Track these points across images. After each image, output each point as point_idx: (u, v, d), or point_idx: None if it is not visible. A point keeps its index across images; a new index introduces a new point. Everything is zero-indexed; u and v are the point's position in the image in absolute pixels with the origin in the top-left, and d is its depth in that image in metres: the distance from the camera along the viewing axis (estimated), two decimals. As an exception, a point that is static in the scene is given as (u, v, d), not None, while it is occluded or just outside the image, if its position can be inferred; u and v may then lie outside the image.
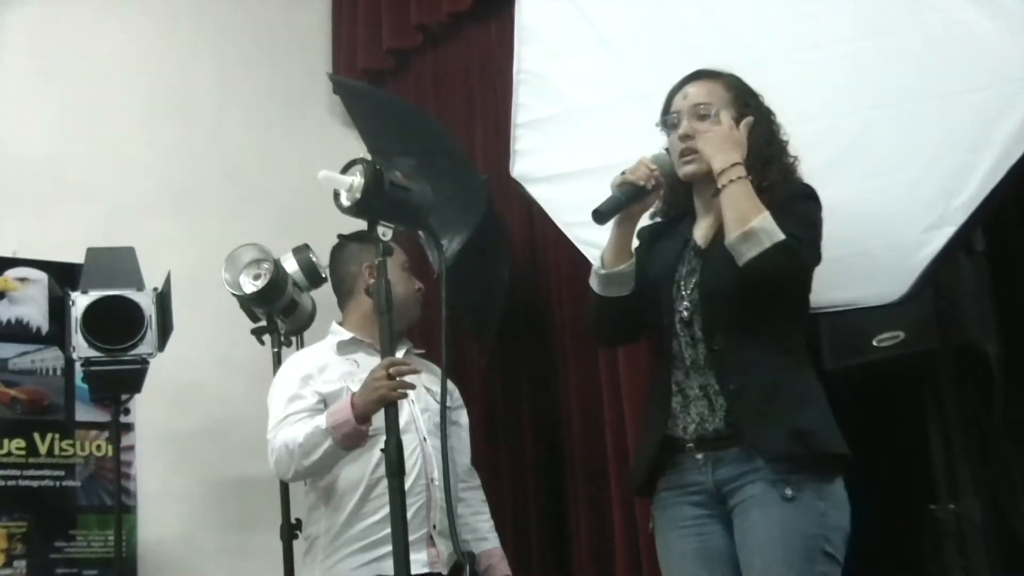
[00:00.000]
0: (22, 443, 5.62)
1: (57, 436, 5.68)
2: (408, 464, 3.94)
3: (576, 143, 4.50)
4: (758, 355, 3.33)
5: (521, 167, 4.67)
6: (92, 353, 4.96)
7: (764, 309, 3.33)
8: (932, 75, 3.75)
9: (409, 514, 3.90)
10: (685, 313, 3.41)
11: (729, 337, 3.33)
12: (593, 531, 5.30)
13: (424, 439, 4.16)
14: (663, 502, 3.47)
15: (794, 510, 3.21)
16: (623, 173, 3.44)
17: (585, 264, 4.48)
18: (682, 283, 3.46)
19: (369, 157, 3.52)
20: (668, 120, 3.57)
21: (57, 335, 5.61)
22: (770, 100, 3.59)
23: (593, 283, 3.51)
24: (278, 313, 5.18)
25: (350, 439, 3.96)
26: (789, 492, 3.21)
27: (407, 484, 3.92)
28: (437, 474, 4.07)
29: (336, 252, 4.55)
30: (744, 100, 3.56)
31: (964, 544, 3.93)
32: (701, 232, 3.54)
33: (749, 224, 3.23)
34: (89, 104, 6.26)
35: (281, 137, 6.72)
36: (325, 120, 6.95)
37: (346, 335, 4.34)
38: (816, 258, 3.40)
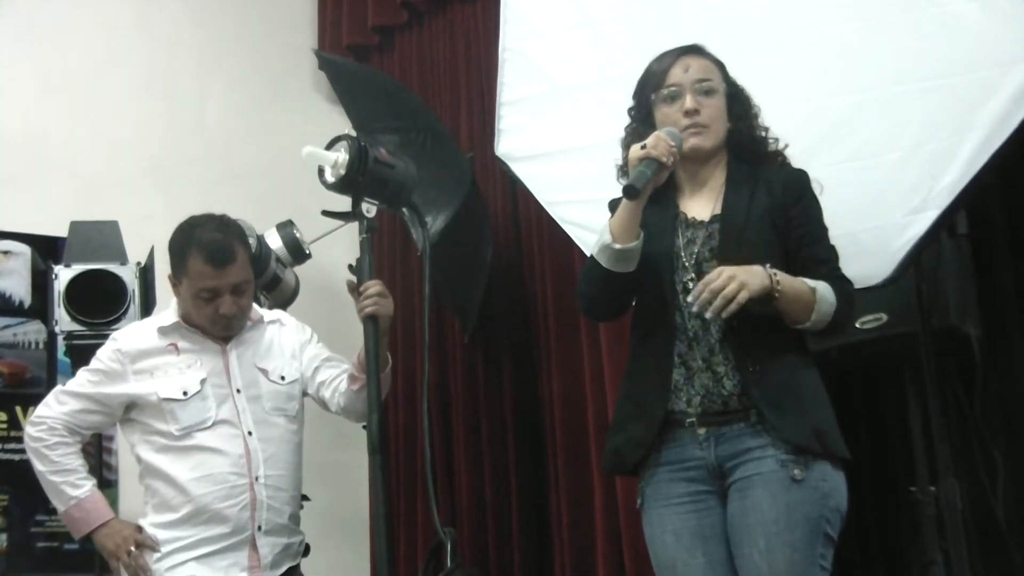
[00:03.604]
0: (3, 416, 5.63)
1: (39, 410, 5.69)
2: (227, 463, 3.94)
3: (560, 122, 4.49)
4: (777, 342, 3.31)
5: (505, 146, 4.66)
6: (74, 327, 4.95)
7: None
8: (916, 59, 3.76)
9: (232, 518, 3.90)
10: (690, 285, 3.35)
11: (750, 318, 3.27)
12: (573, 509, 5.31)
13: (249, 433, 3.98)
14: (654, 478, 3.41)
15: (801, 491, 3.20)
16: (643, 147, 3.40)
17: (567, 242, 4.49)
18: (682, 254, 3.42)
19: (354, 134, 3.51)
20: (667, 93, 3.50)
21: (39, 308, 5.61)
22: (754, 82, 3.59)
23: (602, 259, 3.41)
24: (261, 289, 5.16)
25: (74, 530, 4.01)
26: (798, 473, 3.21)
27: (227, 486, 3.92)
28: (262, 471, 3.95)
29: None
30: (731, 82, 3.55)
31: (943, 526, 3.95)
32: (695, 204, 3.51)
33: (811, 319, 3.26)
34: (73, 79, 6.25)
35: (265, 112, 6.72)
36: (309, 96, 6.94)
37: (169, 320, 4.11)
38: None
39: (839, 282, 3.33)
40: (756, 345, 3.30)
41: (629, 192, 3.30)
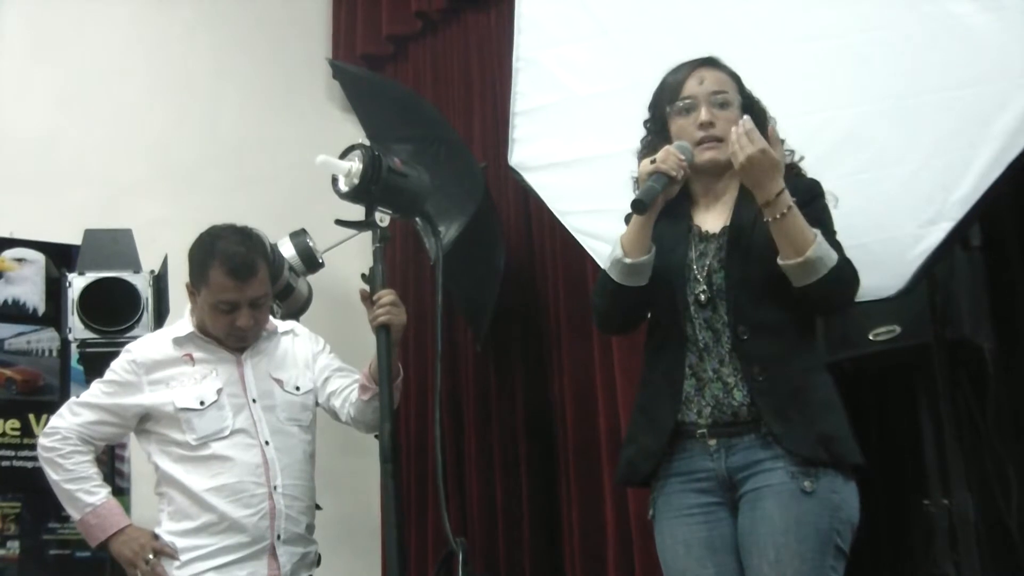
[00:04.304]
0: (16, 424, 5.64)
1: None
2: (246, 472, 3.92)
3: (573, 132, 4.49)
4: (785, 350, 3.31)
5: (519, 155, 4.66)
6: (88, 334, 4.96)
7: (792, 305, 3.32)
8: (929, 70, 3.75)
9: (250, 527, 3.90)
10: (702, 296, 3.38)
11: (758, 327, 3.31)
12: (585, 518, 5.31)
13: (266, 443, 3.99)
14: (665, 489, 3.41)
15: (811, 503, 3.19)
16: (653, 161, 3.40)
17: (580, 253, 4.49)
18: (694, 266, 3.42)
19: (368, 143, 3.52)
20: (682, 105, 3.50)
21: (53, 316, 5.62)
22: (767, 92, 3.58)
23: (613, 273, 3.43)
24: (274, 297, 5.17)
25: (90, 537, 3.99)
26: (808, 485, 3.20)
27: (246, 495, 3.92)
28: (280, 481, 3.95)
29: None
30: (746, 95, 3.54)
31: (955, 539, 3.94)
32: (709, 217, 3.51)
33: (805, 255, 3.23)
34: (87, 86, 6.27)
35: (279, 121, 6.74)
36: (323, 105, 6.96)
37: (184, 330, 4.08)
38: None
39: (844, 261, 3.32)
40: (764, 353, 3.29)
41: (637, 207, 3.30)
